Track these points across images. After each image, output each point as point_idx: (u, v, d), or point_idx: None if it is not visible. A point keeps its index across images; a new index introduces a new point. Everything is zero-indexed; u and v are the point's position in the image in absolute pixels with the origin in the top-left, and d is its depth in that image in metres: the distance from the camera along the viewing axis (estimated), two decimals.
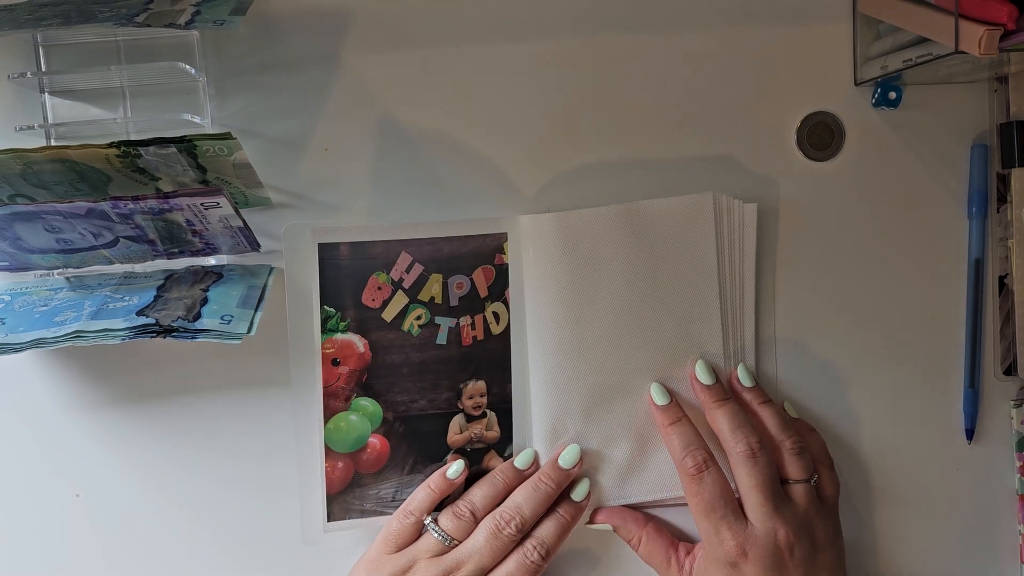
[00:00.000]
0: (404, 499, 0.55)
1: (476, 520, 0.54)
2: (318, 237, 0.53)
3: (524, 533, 0.53)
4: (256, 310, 0.50)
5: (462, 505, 0.54)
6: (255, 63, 0.55)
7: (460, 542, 0.53)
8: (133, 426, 0.55)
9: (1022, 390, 0.60)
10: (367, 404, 0.55)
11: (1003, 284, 0.59)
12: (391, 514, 0.55)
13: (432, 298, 0.54)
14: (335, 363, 0.54)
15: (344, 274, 0.53)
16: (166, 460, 0.56)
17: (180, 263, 0.54)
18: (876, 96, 0.58)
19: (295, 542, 0.56)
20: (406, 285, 0.54)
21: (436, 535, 0.53)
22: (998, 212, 0.59)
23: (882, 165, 0.59)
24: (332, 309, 0.53)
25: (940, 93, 0.58)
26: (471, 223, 0.55)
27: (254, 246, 0.52)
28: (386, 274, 0.53)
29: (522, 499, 0.54)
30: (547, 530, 0.54)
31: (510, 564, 0.53)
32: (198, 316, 0.49)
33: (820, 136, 0.58)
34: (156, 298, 0.50)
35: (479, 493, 0.54)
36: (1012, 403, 0.60)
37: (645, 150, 0.57)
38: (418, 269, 0.54)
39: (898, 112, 0.58)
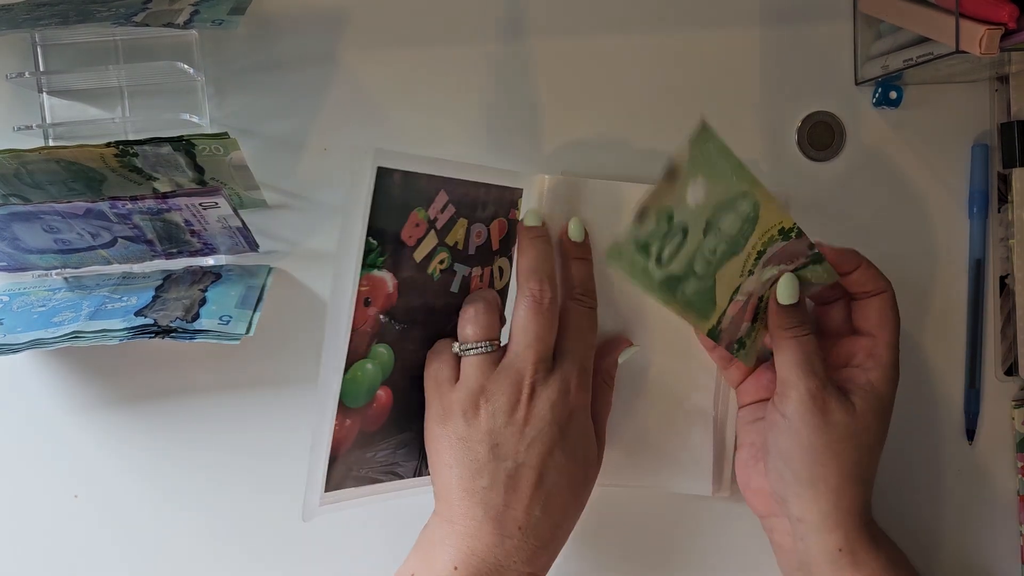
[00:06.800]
0: (396, 463, 0.52)
1: (490, 310, 0.50)
2: (379, 160, 0.47)
3: (555, 290, 0.50)
4: (255, 310, 0.50)
5: (466, 314, 0.50)
6: (254, 63, 0.55)
7: (496, 340, 0.49)
8: (132, 427, 0.55)
9: (1023, 390, 0.60)
10: (383, 351, 0.50)
11: (1004, 284, 0.59)
12: (384, 482, 0.51)
13: (456, 243, 0.51)
14: (367, 303, 0.49)
15: (393, 204, 0.48)
16: (165, 461, 0.56)
17: (178, 263, 0.54)
18: (876, 96, 0.58)
19: (295, 540, 0.56)
20: (439, 226, 0.50)
21: (474, 351, 0.48)
22: (999, 212, 0.59)
23: (882, 165, 0.59)
24: (375, 241, 0.48)
25: (941, 93, 0.58)
26: (498, 173, 0.52)
27: (252, 246, 0.52)
28: (425, 211, 0.50)
29: (529, 262, 0.50)
30: (581, 274, 0.52)
31: (571, 319, 0.49)
32: (196, 316, 0.49)
33: (820, 136, 0.58)
34: (154, 298, 0.50)
35: (468, 302, 0.51)
36: (1013, 404, 0.60)
37: (644, 151, 0.57)
38: (451, 211, 0.50)
39: (899, 112, 0.58)
